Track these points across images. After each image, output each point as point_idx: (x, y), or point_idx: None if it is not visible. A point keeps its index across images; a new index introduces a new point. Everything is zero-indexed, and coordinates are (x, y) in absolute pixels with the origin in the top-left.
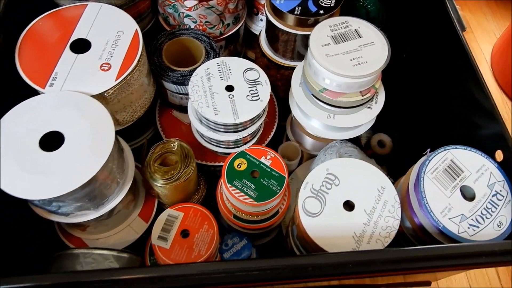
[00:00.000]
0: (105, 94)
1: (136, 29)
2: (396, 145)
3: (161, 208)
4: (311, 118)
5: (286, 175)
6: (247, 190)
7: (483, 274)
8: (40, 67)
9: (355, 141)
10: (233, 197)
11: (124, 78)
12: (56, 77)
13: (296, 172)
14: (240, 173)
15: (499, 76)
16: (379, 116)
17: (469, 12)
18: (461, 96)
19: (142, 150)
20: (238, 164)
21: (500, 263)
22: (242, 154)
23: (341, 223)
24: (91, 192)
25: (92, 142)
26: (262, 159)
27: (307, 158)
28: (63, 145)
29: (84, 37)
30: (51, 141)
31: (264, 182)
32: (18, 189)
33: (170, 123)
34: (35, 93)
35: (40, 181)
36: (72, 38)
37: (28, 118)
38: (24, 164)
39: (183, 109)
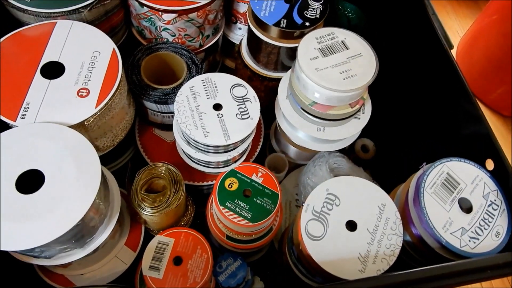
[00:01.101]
0: (85, 123)
1: (114, 48)
2: (378, 149)
3: (148, 234)
4: (299, 131)
5: (279, 192)
6: (240, 211)
7: None
8: (9, 96)
9: None
10: (226, 219)
11: (105, 104)
12: (28, 107)
13: (284, 183)
14: (232, 193)
15: (465, 75)
16: None
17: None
18: (447, 105)
19: (126, 175)
20: (229, 184)
21: (504, 275)
22: (232, 173)
23: (345, 245)
24: (78, 232)
25: (76, 178)
26: (254, 177)
27: (292, 167)
28: (43, 185)
29: (56, 59)
30: (30, 181)
31: (257, 201)
32: None
33: (152, 142)
34: (6, 127)
35: (21, 228)
36: (43, 62)
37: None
38: (0, 210)
39: (165, 127)
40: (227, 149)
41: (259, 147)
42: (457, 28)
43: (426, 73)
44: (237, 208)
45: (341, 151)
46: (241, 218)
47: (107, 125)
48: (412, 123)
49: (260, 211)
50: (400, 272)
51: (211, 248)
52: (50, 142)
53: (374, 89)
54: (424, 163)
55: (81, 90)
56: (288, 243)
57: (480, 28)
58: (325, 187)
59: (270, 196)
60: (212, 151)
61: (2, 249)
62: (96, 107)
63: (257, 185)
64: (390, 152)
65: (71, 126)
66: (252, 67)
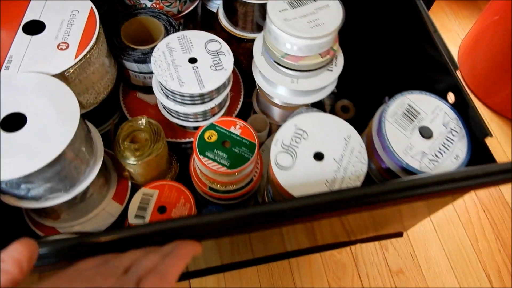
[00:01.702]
0: (66, 73)
1: (91, 7)
2: (357, 107)
3: (135, 189)
4: (275, 85)
5: (256, 142)
6: (219, 159)
7: (470, 272)
8: None
9: (320, 108)
10: (206, 167)
11: (84, 56)
12: (11, 60)
13: (266, 143)
14: (211, 144)
15: (467, 78)
16: (340, 83)
17: (431, 12)
18: (414, 51)
19: (109, 134)
20: (209, 136)
21: (460, 188)
22: (211, 126)
23: (313, 173)
24: (61, 171)
25: (57, 120)
26: (232, 129)
27: (276, 130)
28: (26, 125)
29: (37, 18)
30: (13, 123)
31: (235, 150)
32: None
33: (136, 105)
34: None
35: (5, 162)
36: (24, 21)
37: None
38: None
39: (148, 90)
40: (203, 99)
41: (240, 104)
42: (457, 30)
43: (393, 23)
44: (216, 157)
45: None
46: (220, 166)
47: (88, 81)
48: (383, 75)
49: (238, 159)
50: (360, 187)
51: (195, 203)
52: (32, 89)
53: (350, 46)
54: (387, 97)
55: (60, 44)
56: (265, 186)
57: (482, 30)
58: (293, 122)
59: (247, 146)
60: (189, 101)
61: None
62: (75, 59)
63: (235, 136)
64: (368, 110)
65: (53, 77)
66: (229, 29)
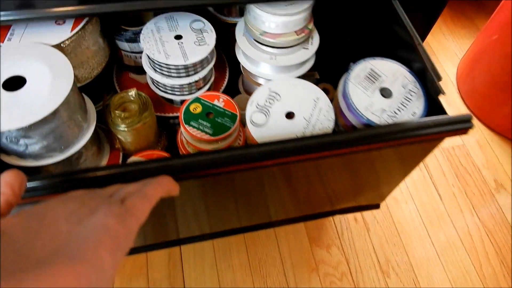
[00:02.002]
0: (62, 45)
1: None
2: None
3: (126, 160)
4: (257, 63)
5: (238, 113)
6: (203, 128)
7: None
8: None
9: None
10: (191, 135)
11: (79, 30)
12: (13, 33)
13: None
14: (196, 115)
15: (467, 98)
16: (321, 68)
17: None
18: (384, 29)
19: (103, 107)
20: (194, 108)
21: (415, 137)
22: (197, 100)
23: (284, 129)
24: (56, 129)
25: (53, 81)
26: (216, 102)
27: None
28: (25, 85)
29: None
30: (15, 84)
31: (218, 120)
32: None
33: (128, 84)
34: None
35: (6, 115)
36: None
37: None
38: None
39: (140, 70)
40: (188, 72)
41: (225, 82)
42: (455, 49)
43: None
44: (200, 126)
45: None
46: (204, 134)
47: (83, 55)
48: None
49: (221, 128)
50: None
51: None
52: (31, 55)
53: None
54: (352, 63)
55: (58, 20)
56: None
57: (481, 49)
58: (268, 86)
59: (229, 117)
60: (175, 74)
61: None
62: (71, 31)
63: (218, 108)
64: None
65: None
66: (216, 15)
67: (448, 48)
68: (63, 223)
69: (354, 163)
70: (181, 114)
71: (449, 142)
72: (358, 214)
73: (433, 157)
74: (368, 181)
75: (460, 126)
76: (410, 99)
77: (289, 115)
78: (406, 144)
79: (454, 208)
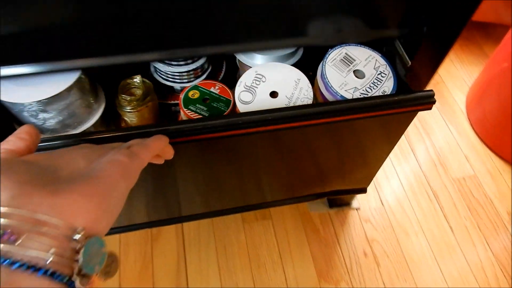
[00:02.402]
0: None
1: None
2: None
3: None
4: (251, 55)
5: (232, 99)
6: (200, 111)
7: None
8: None
9: None
10: (189, 118)
11: None
12: None
13: None
14: (194, 100)
15: (477, 127)
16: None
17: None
18: None
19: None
20: (192, 94)
21: (381, 110)
22: (195, 87)
23: (268, 106)
24: (70, 104)
25: None
26: (212, 89)
27: None
28: None
29: None
30: None
31: (214, 105)
32: (15, 97)
33: None
34: None
35: (30, 90)
36: None
37: None
38: (15, 81)
39: None
40: (186, 61)
41: (222, 72)
42: (463, 76)
43: None
44: (197, 110)
45: None
46: (200, 116)
47: None
48: None
49: (216, 111)
50: (300, 105)
51: None
52: None
53: None
54: (330, 49)
55: None
56: None
57: (490, 77)
58: (254, 69)
59: (224, 102)
60: (175, 63)
61: (21, 101)
62: None
63: (214, 95)
64: None
65: None
66: None
67: (457, 76)
68: (80, 160)
69: (335, 136)
70: (180, 99)
71: (459, 172)
72: (367, 248)
73: (443, 188)
74: (352, 157)
75: (423, 101)
76: (381, 80)
77: (273, 94)
78: (374, 116)
79: (466, 241)
